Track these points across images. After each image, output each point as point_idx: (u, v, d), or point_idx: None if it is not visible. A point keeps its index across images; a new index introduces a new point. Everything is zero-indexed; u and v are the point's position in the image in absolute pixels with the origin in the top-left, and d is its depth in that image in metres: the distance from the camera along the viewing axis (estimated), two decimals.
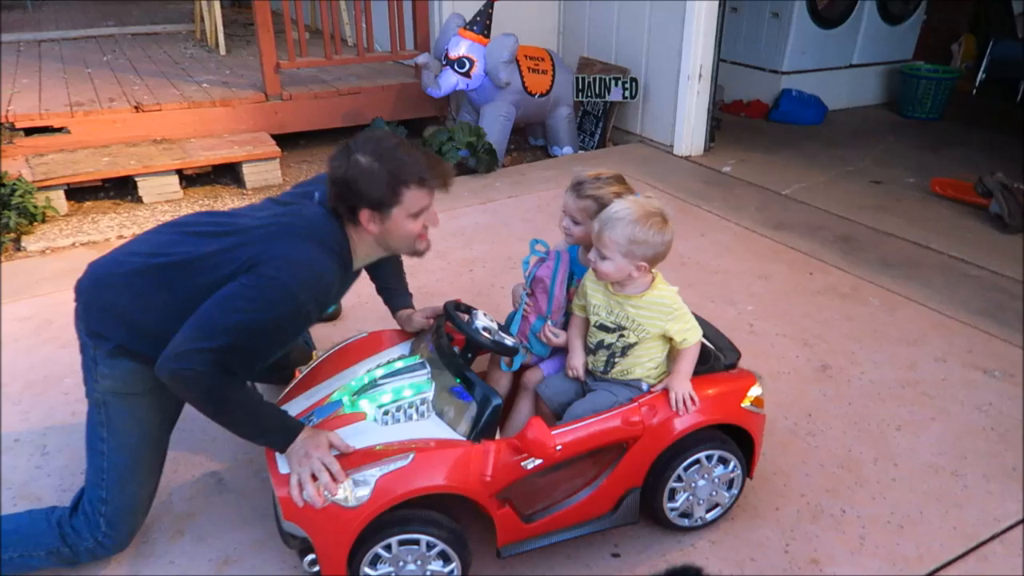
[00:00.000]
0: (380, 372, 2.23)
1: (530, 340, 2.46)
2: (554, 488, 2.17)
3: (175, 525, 2.35)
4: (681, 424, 2.14)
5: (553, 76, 5.49)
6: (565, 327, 2.41)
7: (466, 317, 2.30)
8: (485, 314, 2.32)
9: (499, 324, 2.34)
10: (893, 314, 3.44)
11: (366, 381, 2.19)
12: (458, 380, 2.13)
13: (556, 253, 2.44)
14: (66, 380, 2.99)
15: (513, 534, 2.08)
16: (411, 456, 1.92)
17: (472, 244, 4.15)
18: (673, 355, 2.25)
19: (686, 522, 2.28)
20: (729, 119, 6.34)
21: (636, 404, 2.15)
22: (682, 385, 2.17)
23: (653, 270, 2.19)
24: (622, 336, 2.21)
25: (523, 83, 5.34)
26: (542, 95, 5.46)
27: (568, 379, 2.34)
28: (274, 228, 1.97)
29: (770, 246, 4.13)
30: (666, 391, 2.18)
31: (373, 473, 1.89)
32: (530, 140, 6.03)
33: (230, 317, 1.84)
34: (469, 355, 2.28)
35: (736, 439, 2.25)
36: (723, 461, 2.24)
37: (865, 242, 4.16)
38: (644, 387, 2.24)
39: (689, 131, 5.41)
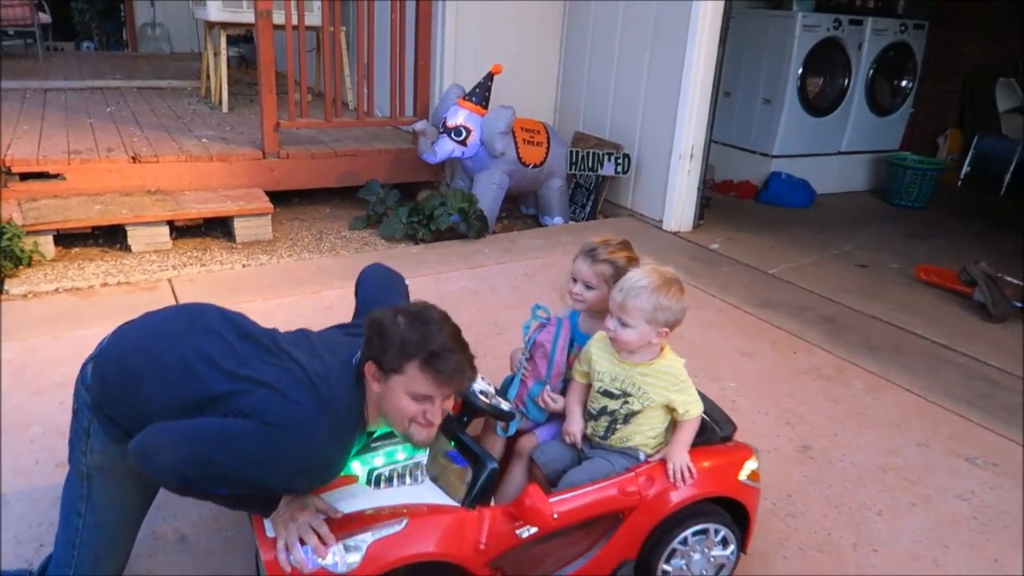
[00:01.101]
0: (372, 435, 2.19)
1: (527, 405, 2.43)
2: (546, 557, 2.12)
3: None
4: (678, 496, 2.12)
5: (548, 148, 5.59)
6: (563, 393, 2.39)
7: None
8: (482, 377, 2.31)
9: (496, 388, 2.32)
10: (876, 397, 3.42)
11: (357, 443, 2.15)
12: (452, 444, 2.10)
13: (557, 319, 2.44)
14: (34, 428, 2.92)
15: None
16: (404, 522, 1.87)
17: (459, 309, 4.12)
18: (672, 426, 2.24)
19: None
20: (719, 198, 6.44)
21: (633, 474, 2.12)
22: (680, 456, 2.15)
23: (662, 341, 2.18)
24: (626, 403, 2.19)
25: (518, 153, 5.43)
26: (536, 166, 5.55)
27: (564, 446, 2.31)
28: (299, 387, 1.84)
29: (755, 324, 4.14)
30: (663, 461, 2.15)
31: (364, 539, 1.84)
32: (522, 209, 6.10)
33: (224, 453, 1.74)
34: (464, 418, 2.25)
35: (731, 512, 2.22)
36: (722, 543, 2.20)
37: (850, 324, 4.17)
38: (641, 456, 2.22)
39: (679, 207, 5.49)
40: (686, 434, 2.19)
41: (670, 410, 2.20)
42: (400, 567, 1.85)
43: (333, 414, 1.82)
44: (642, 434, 2.21)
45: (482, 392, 2.25)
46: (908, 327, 4.16)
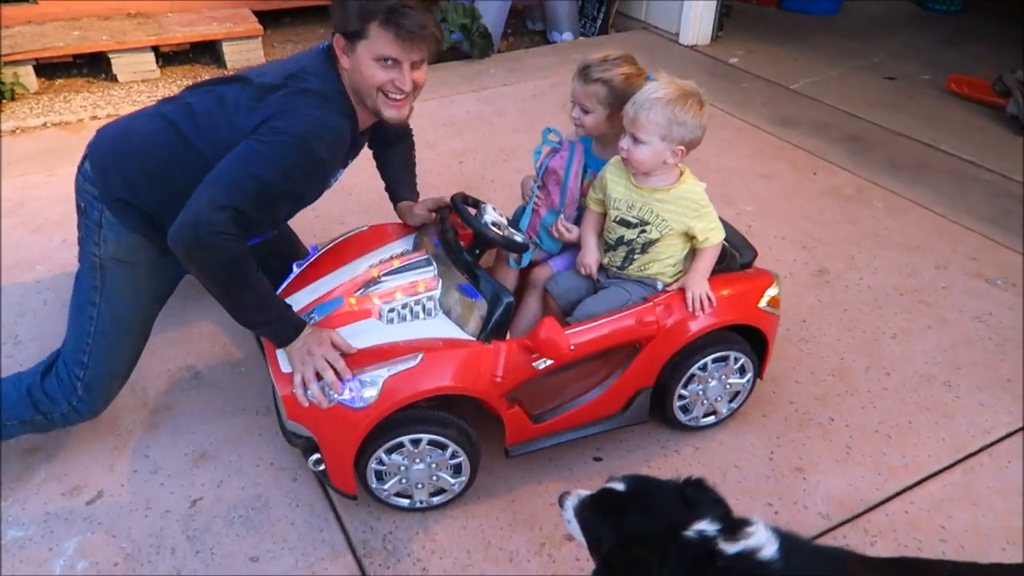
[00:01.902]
0: (384, 267, 2.13)
1: (540, 235, 2.35)
2: (563, 388, 2.12)
3: (151, 418, 2.30)
4: (697, 325, 2.07)
5: None
6: (577, 222, 2.30)
7: (474, 211, 2.19)
8: (494, 208, 2.21)
9: (508, 219, 2.22)
10: (897, 218, 3.32)
11: (371, 276, 2.09)
12: (467, 277, 2.04)
13: (570, 143, 2.30)
14: (37, 267, 2.88)
15: (521, 434, 2.04)
16: (420, 356, 1.84)
17: (463, 134, 3.97)
18: (692, 254, 2.16)
19: (683, 418, 2.23)
20: (739, 7, 5.99)
21: (651, 304, 2.07)
22: (700, 285, 2.08)
23: (680, 164, 2.06)
24: (643, 231, 2.10)
25: None
26: None
27: (579, 276, 2.25)
28: (285, 88, 1.92)
29: (774, 143, 3.96)
30: (682, 291, 2.09)
31: (381, 374, 1.82)
32: (528, 24, 5.72)
33: (246, 171, 1.80)
34: (477, 251, 2.17)
35: (749, 339, 2.19)
36: (740, 370, 2.19)
37: (874, 142, 3.98)
38: (659, 285, 2.16)
39: (697, 19, 5.11)
40: (706, 262, 2.11)
41: (689, 237, 2.11)
42: (419, 401, 1.85)
43: (322, 92, 1.91)
44: (660, 262, 2.14)
45: (494, 224, 2.16)
46: (935, 143, 3.97)
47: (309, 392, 1.82)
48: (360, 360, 1.86)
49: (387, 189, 2.44)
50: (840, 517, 2.04)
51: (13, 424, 2.02)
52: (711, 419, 2.27)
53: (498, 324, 1.92)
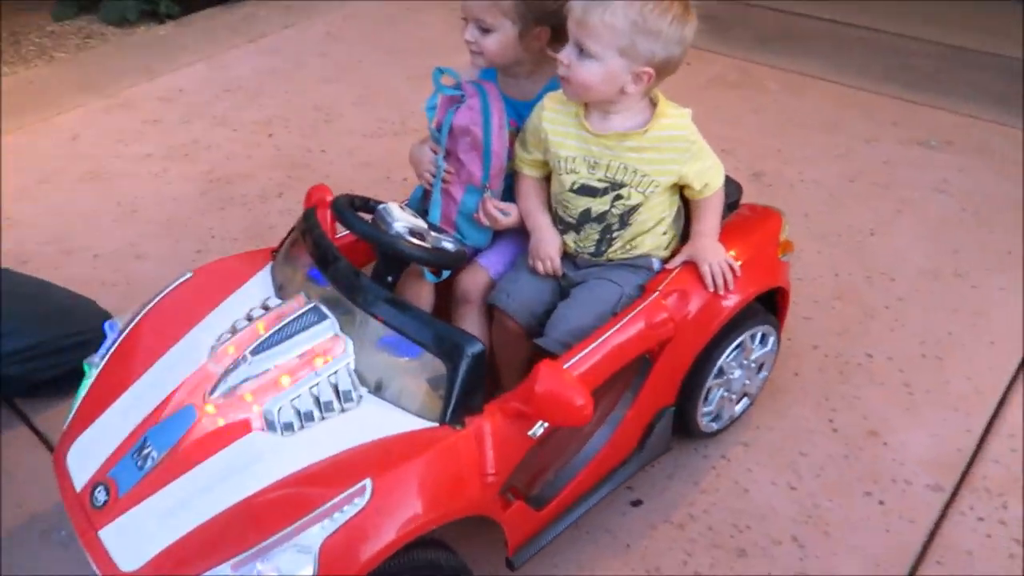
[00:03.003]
0: (246, 339, 1.31)
1: (460, 227, 1.63)
2: (557, 444, 1.45)
3: None
4: (723, 307, 1.49)
5: None
6: (507, 197, 1.61)
7: (370, 217, 1.43)
8: (401, 206, 1.46)
9: (425, 218, 1.49)
10: (799, 97, 2.92)
11: (228, 357, 1.27)
12: (385, 322, 1.29)
13: (478, 87, 1.57)
14: None
15: (525, 531, 1.35)
16: (366, 487, 1.09)
17: (258, 99, 3.04)
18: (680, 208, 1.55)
19: (715, 426, 1.68)
20: None
21: (657, 294, 1.45)
22: (714, 251, 1.51)
23: (654, 91, 1.41)
24: (619, 198, 1.46)
25: None
26: None
27: (535, 276, 1.56)
28: None
29: None
30: (690, 264, 1.50)
31: (311, 537, 1.06)
32: None
33: None
34: (390, 277, 1.42)
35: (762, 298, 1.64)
36: (761, 339, 1.64)
37: (729, 19, 3.56)
38: (655, 264, 1.54)
39: None
40: (713, 217, 1.52)
41: (679, 187, 1.50)
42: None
43: None
44: (651, 233, 1.51)
45: (411, 231, 1.42)
46: (791, 9, 3.62)
47: None
48: (263, 522, 1.08)
49: None
50: (951, 482, 1.61)
51: None
52: (744, 403, 1.73)
53: (467, 390, 1.21)
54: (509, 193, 1.62)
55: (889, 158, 2.57)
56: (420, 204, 1.72)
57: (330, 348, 1.27)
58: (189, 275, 1.51)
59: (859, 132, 2.71)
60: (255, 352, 1.26)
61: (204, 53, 3.37)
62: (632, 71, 1.35)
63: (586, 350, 1.35)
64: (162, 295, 1.48)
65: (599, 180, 1.45)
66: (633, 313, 1.42)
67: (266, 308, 1.38)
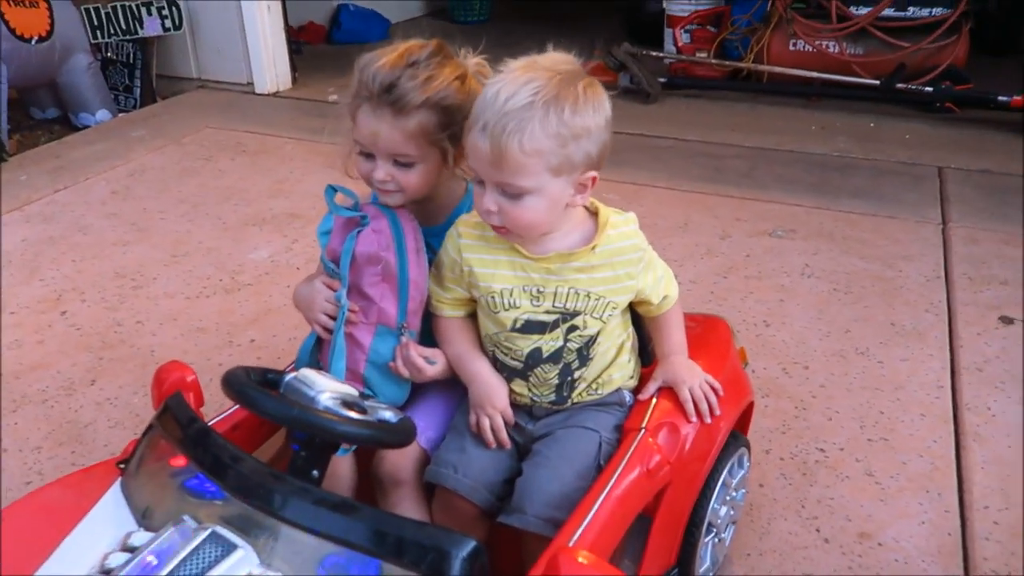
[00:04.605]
0: None
1: (368, 380, 1.30)
2: None
3: None
4: (716, 435, 1.29)
5: (50, 9, 3.73)
6: (427, 341, 1.31)
7: (277, 393, 1.07)
8: (320, 372, 1.12)
9: (359, 389, 1.15)
10: (641, 203, 2.91)
11: None
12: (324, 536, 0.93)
13: (382, 207, 1.30)
14: None
15: None
16: None
17: (38, 273, 2.50)
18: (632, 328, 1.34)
19: (712, 574, 1.43)
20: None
21: (644, 432, 1.21)
22: (691, 372, 1.31)
23: (589, 199, 1.22)
24: (573, 328, 1.22)
25: (5, 22, 3.51)
26: (41, 39, 3.69)
27: (475, 442, 1.26)
28: None
29: None
30: (666, 391, 1.29)
31: None
32: (35, 113, 4.14)
33: None
34: (316, 472, 1.05)
35: None
36: (737, 462, 1.44)
37: None
38: (627, 398, 1.31)
39: (271, 61, 4.20)
40: (678, 332, 1.34)
41: (634, 303, 1.31)
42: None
43: None
44: (618, 364, 1.29)
45: (346, 402, 1.08)
46: None
47: None
48: None
49: None
50: (957, 568, 1.48)
51: None
52: (731, 531, 1.51)
53: None
54: (429, 336, 1.33)
55: (749, 251, 2.60)
56: (313, 357, 1.38)
57: None
58: None
59: (710, 230, 2.74)
60: None
61: None
62: (575, 183, 1.15)
63: (586, 520, 1.07)
64: None
65: (547, 312, 1.21)
66: (625, 461, 1.17)
67: (130, 550, 0.96)
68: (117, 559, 0.96)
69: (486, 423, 1.24)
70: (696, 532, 1.31)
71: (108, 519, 1.05)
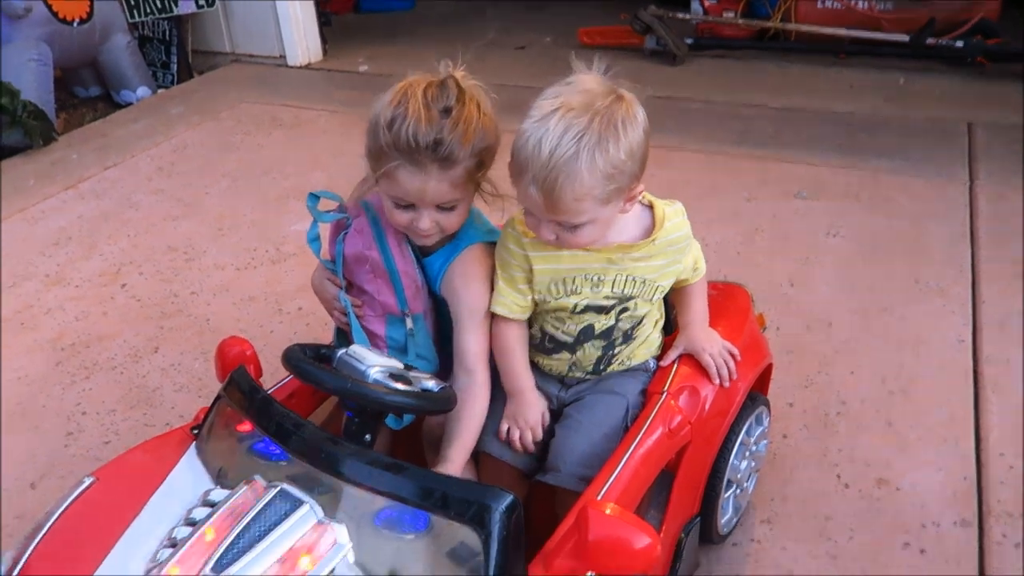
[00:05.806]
0: (201, 550, 1.00)
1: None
2: None
3: None
4: (734, 397, 1.39)
5: None
6: (442, 321, 1.41)
7: (330, 367, 1.19)
8: (372, 349, 1.23)
9: (401, 361, 1.25)
10: (667, 169, 2.93)
11: None
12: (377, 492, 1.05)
13: (364, 205, 1.38)
14: None
15: None
16: None
17: (96, 248, 2.65)
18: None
19: (734, 521, 1.54)
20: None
21: (666, 396, 1.31)
22: (711, 338, 1.40)
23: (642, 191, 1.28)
24: (625, 311, 1.32)
25: (49, 7, 3.64)
26: (82, 21, 3.81)
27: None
28: None
29: None
30: (687, 358, 1.39)
31: None
32: (78, 92, 4.28)
33: None
34: (368, 437, 1.16)
35: None
36: (756, 420, 1.53)
37: None
38: (652, 364, 1.40)
39: (301, 34, 4.29)
40: (700, 301, 1.43)
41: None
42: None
43: None
44: (647, 340, 1.39)
45: (393, 374, 1.18)
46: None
47: None
48: None
49: None
50: (973, 513, 1.58)
51: None
52: (754, 480, 1.61)
53: (506, 560, 0.98)
54: (437, 313, 1.41)
55: (775, 212, 2.65)
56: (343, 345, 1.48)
57: (317, 541, 1.00)
58: (89, 481, 1.18)
59: (736, 193, 2.79)
60: (218, 568, 0.96)
61: (14, 206, 2.92)
62: (624, 199, 1.21)
63: (612, 476, 1.18)
64: (57, 514, 1.13)
65: (606, 298, 1.30)
66: (649, 422, 1.27)
67: (210, 505, 1.07)
68: (199, 513, 1.08)
69: (516, 435, 1.33)
70: (717, 485, 1.41)
71: (188, 478, 1.17)
